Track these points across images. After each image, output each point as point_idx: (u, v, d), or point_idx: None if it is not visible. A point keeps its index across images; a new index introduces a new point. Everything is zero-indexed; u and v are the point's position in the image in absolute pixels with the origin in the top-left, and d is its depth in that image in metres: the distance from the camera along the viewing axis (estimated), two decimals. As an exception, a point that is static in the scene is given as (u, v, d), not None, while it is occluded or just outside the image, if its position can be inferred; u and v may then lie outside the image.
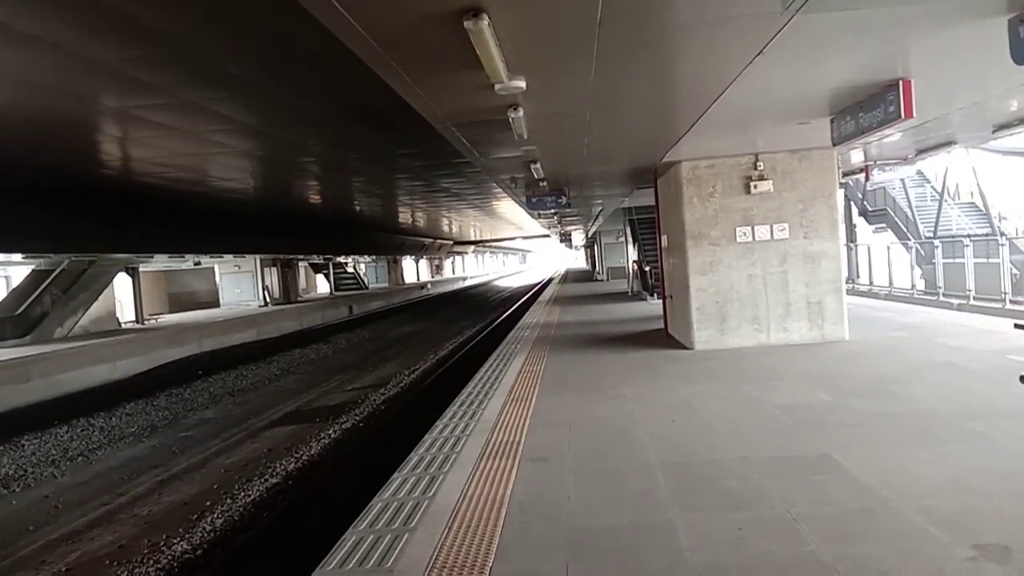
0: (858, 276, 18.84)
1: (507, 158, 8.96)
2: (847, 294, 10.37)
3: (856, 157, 13.97)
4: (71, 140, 10.39)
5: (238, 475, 9.10)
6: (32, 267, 20.15)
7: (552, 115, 6.42)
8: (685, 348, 10.30)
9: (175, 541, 6.95)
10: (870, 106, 6.46)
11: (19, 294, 19.55)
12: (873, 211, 23.58)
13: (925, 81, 6.04)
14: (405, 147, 13.14)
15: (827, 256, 9.90)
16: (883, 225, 23.58)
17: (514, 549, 3.61)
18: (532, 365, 9.70)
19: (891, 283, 16.83)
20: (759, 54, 4.90)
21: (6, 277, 24.47)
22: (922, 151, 13.49)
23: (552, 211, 16.53)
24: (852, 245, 20.32)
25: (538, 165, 9.33)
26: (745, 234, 9.93)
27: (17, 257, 17.51)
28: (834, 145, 7.37)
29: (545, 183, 11.27)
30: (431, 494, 4.40)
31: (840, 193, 11.44)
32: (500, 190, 16.14)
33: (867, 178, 14.43)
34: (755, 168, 9.83)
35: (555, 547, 3.62)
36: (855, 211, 23.71)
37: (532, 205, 12.67)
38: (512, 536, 3.76)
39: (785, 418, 6.01)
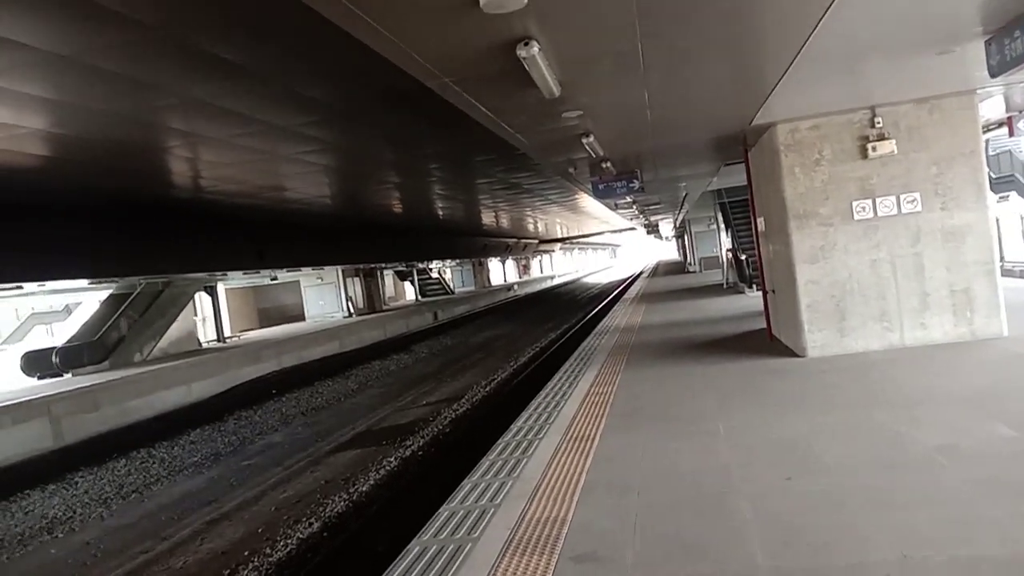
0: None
1: (550, 131, 7.20)
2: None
3: (990, 111, 11.53)
4: (140, 163, 10.33)
5: (287, 515, 8.23)
6: (110, 291, 20.14)
7: (586, 59, 4.72)
8: (795, 355, 8.38)
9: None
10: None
11: (97, 320, 19.46)
12: (997, 178, 20.85)
13: None
14: (473, 144, 11.80)
15: (973, 231, 7.82)
16: (1007, 194, 20.89)
17: None
18: (602, 385, 8.01)
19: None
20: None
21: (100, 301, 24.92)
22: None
23: (627, 199, 14.71)
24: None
25: (592, 139, 7.58)
26: (864, 209, 7.99)
27: (84, 283, 17.37)
28: (992, 76, 5.37)
29: (609, 164, 9.45)
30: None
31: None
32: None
33: (1011, 133, 11.93)
34: (872, 125, 7.88)
35: None
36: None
37: (599, 193, 10.84)
38: None
39: (955, 473, 4.10)
